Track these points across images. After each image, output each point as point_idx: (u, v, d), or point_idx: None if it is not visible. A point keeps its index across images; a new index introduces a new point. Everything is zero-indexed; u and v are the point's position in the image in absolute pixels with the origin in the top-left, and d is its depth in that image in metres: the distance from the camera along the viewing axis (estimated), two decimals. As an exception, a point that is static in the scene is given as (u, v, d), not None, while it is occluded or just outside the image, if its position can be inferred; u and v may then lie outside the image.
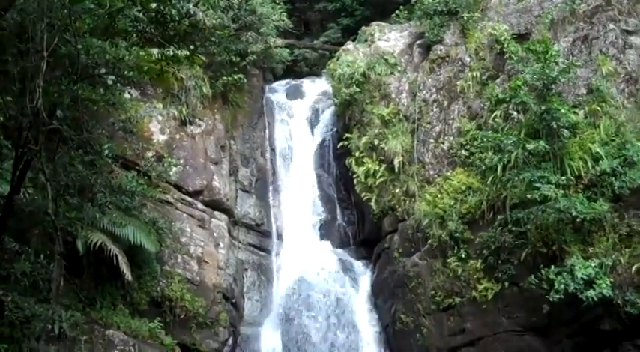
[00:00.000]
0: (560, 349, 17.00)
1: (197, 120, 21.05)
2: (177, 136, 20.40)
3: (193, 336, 18.21)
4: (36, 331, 12.32)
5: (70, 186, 12.87)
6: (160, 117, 20.16)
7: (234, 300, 19.82)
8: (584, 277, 15.39)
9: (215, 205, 20.63)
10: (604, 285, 15.22)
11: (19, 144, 11.35)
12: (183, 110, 20.58)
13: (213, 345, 18.55)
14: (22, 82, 10.69)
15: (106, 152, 13.17)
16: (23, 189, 12.47)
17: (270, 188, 23.27)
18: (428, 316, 19.00)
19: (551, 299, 15.82)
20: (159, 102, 20.27)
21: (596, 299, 15.19)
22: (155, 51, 12.50)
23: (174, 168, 19.34)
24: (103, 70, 11.33)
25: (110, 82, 11.47)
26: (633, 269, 15.34)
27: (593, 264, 15.60)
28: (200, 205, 20.17)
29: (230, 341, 19.08)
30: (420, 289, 19.23)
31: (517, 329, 17.65)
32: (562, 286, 15.57)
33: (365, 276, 21.86)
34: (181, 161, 19.97)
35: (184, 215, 19.60)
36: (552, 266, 16.11)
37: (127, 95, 16.69)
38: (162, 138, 20.03)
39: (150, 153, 19.30)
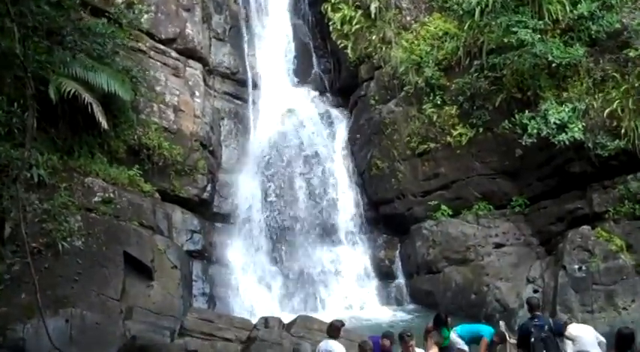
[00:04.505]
0: (530, 191, 17.56)
1: (166, -37, 20.24)
2: (147, -19, 19.70)
3: (172, 183, 18.40)
4: (13, 175, 12.35)
5: (38, 28, 12.52)
6: (127, -39, 19.37)
7: (211, 148, 19.92)
8: (557, 121, 15.67)
9: (189, 53, 20.24)
10: (576, 129, 15.53)
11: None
12: (151, -48, 19.76)
13: (192, 191, 18.81)
14: None
15: (73, -10, 12.71)
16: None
17: (245, 36, 22.75)
18: (403, 161, 19.33)
19: (523, 144, 16.19)
20: (125, -56, 19.44)
21: (567, 142, 15.54)
22: None
23: (145, 15, 18.88)
24: None
25: None
26: (605, 113, 15.60)
27: (566, 109, 15.84)
28: (174, 53, 19.79)
29: (209, 188, 19.32)
30: (395, 135, 19.44)
31: (490, 173, 18.12)
32: (535, 130, 15.88)
33: (341, 124, 21.97)
34: (152, 8, 19.43)
35: (158, 63, 19.26)
36: (526, 112, 16.34)
37: None
38: (131, -18, 19.35)
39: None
